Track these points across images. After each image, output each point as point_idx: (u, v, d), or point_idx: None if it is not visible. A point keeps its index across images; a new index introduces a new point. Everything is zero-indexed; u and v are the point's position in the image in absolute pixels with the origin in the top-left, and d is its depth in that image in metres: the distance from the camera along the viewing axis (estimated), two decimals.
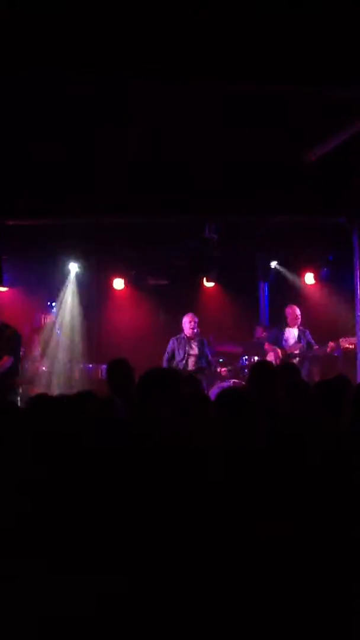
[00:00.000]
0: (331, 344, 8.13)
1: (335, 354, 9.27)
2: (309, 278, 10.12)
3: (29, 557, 1.97)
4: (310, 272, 10.10)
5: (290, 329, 8.45)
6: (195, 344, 8.06)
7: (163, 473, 1.92)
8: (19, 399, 6.70)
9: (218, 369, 8.42)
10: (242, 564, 1.80)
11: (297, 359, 8.15)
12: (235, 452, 2.07)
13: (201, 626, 1.82)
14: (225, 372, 8.40)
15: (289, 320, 8.47)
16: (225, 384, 8.21)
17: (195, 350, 8.05)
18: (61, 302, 9.72)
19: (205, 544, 1.86)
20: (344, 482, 2.14)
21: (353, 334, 8.19)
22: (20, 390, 6.98)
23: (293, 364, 7.07)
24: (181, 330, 8.18)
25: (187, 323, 8.10)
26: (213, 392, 7.32)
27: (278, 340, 8.44)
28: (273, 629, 1.84)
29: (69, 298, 9.80)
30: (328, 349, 8.15)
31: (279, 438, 2.13)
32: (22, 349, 7.68)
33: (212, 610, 1.84)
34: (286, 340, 8.41)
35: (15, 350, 6.70)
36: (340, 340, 8.25)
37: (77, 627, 1.80)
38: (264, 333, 9.39)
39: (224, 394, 2.57)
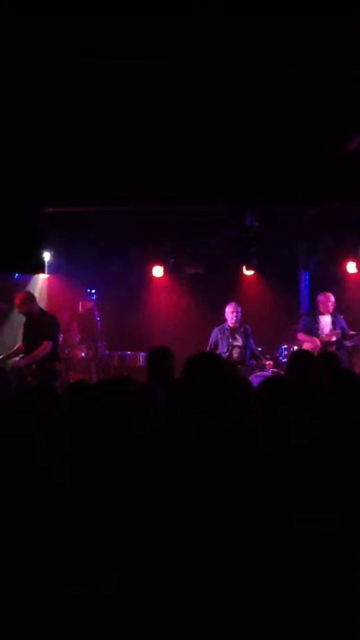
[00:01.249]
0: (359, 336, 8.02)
1: None
2: (351, 267, 9.96)
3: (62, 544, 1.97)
4: (353, 260, 9.93)
5: (324, 316, 8.22)
6: (239, 334, 7.91)
7: (208, 458, 1.90)
8: (58, 383, 6.75)
9: (264, 361, 8.25)
10: (284, 555, 1.77)
11: (334, 347, 7.96)
12: (277, 442, 2.04)
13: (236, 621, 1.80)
14: (271, 365, 8.22)
15: (321, 307, 8.23)
16: (264, 373, 8.12)
17: (239, 341, 7.87)
18: None
19: (243, 528, 1.83)
20: None
21: None
22: (60, 376, 7.03)
23: (334, 353, 6.95)
24: (224, 320, 8.02)
25: (230, 313, 7.90)
26: (252, 381, 7.25)
27: (312, 329, 8.20)
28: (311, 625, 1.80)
29: None
30: (356, 339, 8.01)
31: (323, 428, 2.09)
32: (60, 335, 7.74)
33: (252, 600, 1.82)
34: (322, 329, 8.18)
35: (54, 335, 6.76)
36: None
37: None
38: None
39: (268, 382, 2.53)
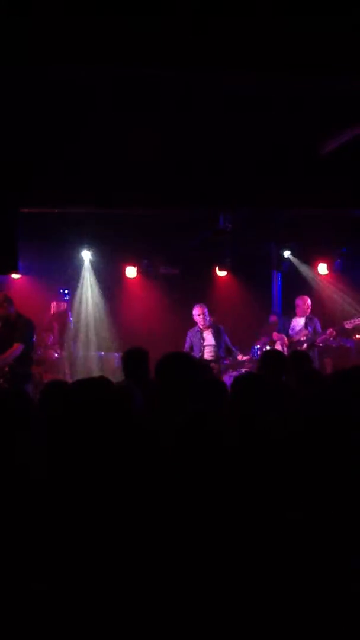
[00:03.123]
0: (330, 330, 8.20)
1: (348, 345, 9.29)
2: (322, 269, 10.14)
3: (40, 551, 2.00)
4: (324, 262, 10.12)
5: (298, 318, 8.50)
6: (210, 333, 8.01)
7: (182, 459, 1.94)
8: (32, 387, 6.74)
9: (239, 357, 8.36)
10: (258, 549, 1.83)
11: (305, 345, 8.17)
12: (252, 437, 2.09)
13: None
14: (248, 359, 8.34)
15: (298, 310, 8.51)
16: (236, 373, 8.22)
17: (210, 340, 7.97)
18: (81, 294, 9.94)
19: (219, 531, 1.88)
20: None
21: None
22: (33, 378, 7.01)
23: (304, 352, 7.10)
24: (194, 321, 8.12)
25: (197, 316, 8.01)
26: (226, 381, 7.33)
27: (285, 328, 8.49)
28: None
29: (89, 289, 10.02)
30: (327, 335, 8.21)
31: (295, 424, 2.16)
32: (34, 337, 7.71)
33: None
34: (292, 329, 8.46)
35: (26, 337, 6.71)
36: (344, 323, 8.29)
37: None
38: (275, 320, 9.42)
39: (242, 378, 2.60)
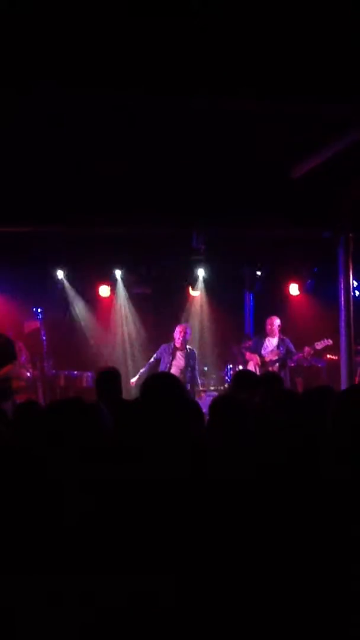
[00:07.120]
0: (306, 349, 8.29)
1: (319, 365, 9.38)
2: (294, 289, 10.24)
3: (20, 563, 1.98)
4: (295, 283, 10.22)
5: (270, 338, 8.58)
6: (182, 354, 8.05)
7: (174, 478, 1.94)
8: (11, 403, 6.66)
9: (200, 387, 8.44)
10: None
11: (277, 365, 8.25)
12: (232, 460, 2.09)
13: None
14: (205, 390, 8.46)
15: (267, 330, 8.60)
16: (210, 395, 8.25)
17: (180, 361, 8.01)
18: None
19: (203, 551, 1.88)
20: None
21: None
22: (14, 395, 6.94)
23: (275, 373, 7.17)
24: (172, 338, 8.20)
25: (178, 333, 8.10)
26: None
27: (257, 349, 8.56)
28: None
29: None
30: (305, 353, 8.30)
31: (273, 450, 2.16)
32: None
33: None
34: (265, 349, 8.54)
35: (14, 355, 6.76)
36: (315, 344, 8.39)
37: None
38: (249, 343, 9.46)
39: (221, 401, 2.61)
